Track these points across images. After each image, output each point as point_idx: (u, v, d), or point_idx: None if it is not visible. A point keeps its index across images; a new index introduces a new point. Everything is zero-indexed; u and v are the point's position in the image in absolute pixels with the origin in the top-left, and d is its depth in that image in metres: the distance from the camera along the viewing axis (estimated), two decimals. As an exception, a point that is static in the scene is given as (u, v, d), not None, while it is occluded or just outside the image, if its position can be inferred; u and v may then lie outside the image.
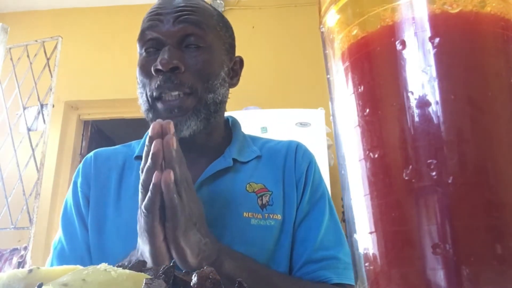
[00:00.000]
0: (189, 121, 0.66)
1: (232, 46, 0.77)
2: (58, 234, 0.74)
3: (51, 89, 2.32)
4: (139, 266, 0.33)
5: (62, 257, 0.70)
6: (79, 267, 0.29)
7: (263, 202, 0.70)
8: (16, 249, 2.16)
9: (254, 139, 0.82)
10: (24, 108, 2.36)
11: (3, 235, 2.23)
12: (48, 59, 2.35)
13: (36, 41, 2.41)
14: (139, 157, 0.73)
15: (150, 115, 0.68)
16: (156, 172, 0.52)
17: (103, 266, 0.28)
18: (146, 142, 0.54)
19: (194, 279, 0.29)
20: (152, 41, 0.68)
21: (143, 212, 0.52)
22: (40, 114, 2.33)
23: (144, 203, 0.52)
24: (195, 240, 0.54)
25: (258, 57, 2.79)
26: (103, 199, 0.72)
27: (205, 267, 0.30)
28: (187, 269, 0.55)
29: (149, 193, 0.52)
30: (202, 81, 0.67)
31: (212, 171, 0.70)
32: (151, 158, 0.52)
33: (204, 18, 0.69)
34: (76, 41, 3.00)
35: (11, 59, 2.36)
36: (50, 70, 2.34)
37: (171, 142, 0.53)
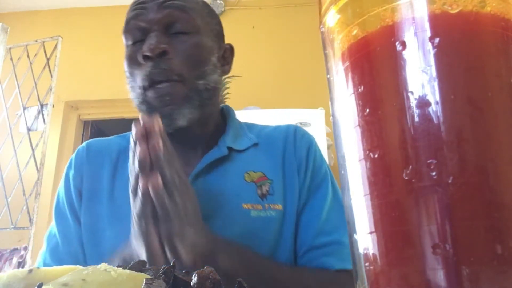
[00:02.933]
0: (183, 109, 0.63)
1: (220, 34, 0.74)
2: (51, 227, 0.72)
3: (51, 89, 2.32)
4: (139, 266, 0.33)
5: (56, 252, 0.69)
6: (79, 267, 0.29)
7: (263, 192, 0.67)
8: (16, 249, 2.17)
9: (250, 126, 0.79)
10: (24, 108, 2.36)
11: (3, 235, 2.23)
12: (48, 59, 2.35)
13: (36, 41, 2.41)
14: None
15: (143, 107, 0.65)
16: (143, 178, 0.49)
17: (103, 266, 0.28)
18: (131, 144, 0.51)
19: (194, 279, 0.29)
20: (137, 30, 0.65)
21: (136, 219, 0.51)
22: (40, 114, 2.33)
23: (136, 211, 0.50)
24: (190, 241, 0.53)
25: (258, 57, 2.79)
26: (96, 193, 0.70)
27: (205, 267, 0.30)
28: (182, 268, 0.54)
29: (139, 201, 0.50)
30: (192, 67, 0.64)
31: (206, 162, 0.68)
32: (138, 165, 0.50)
33: (189, 3, 0.67)
34: (76, 41, 3.00)
35: (11, 59, 2.36)
36: (50, 70, 2.34)
37: (157, 146, 0.50)
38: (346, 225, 0.73)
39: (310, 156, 0.72)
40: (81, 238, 0.68)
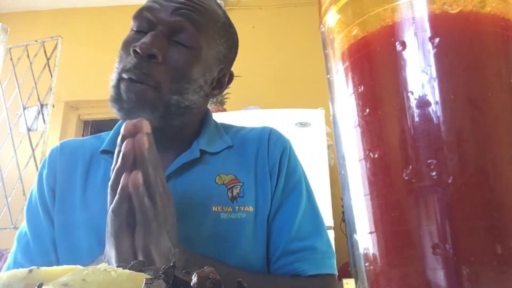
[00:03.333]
0: (143, 114, 0.61)
1: (226, 58, 0.72)
2: (21, 227, 0.71)
3: (51, 89, 2.32)
4: (139, 266, 0.33)
5: (27, 251, 0.67)
6: (79, 267, 0.29)
7: (233, 194, 0.67)
8: (16, 249, 2.16)
9: (227, 127, 0.79)
10: (24, 108, 2.36)
11: (3, 235, 2.23)
12: (48, 59, 2.35)
13: (36, 41, 2.41)
14: (106, 151, 0.69)
15: (112, 91, 0.64)
16: (124, 174, 0.48)
17: (103, 266, 0.28)
18: (118, 141, 0.51)
19: (194, 279, 0.29)
20: (145, 21, 0.65)
21: (110, 215, 0.49)
22: (40, 114, 2.33)
23: (111, 206, 0.49)
24: (165, 248, 0.51)
25: (258, 57, 2.79)
26: (69, 193, 0.69)
27: (205, 268, 0.30)
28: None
29: (117, 196, 0.49)
30: (174, 80, 0.63)
31: (178, 164, 0.67)
32: (121, 159, 0.49)
33: (204, 20, 0.66)
34: (76, 41, 3.00)
35: (11, 59, 2.36)
36: (50, 70, 2.34)
37: (142, 141, 0.49)
38: (319, 230, 0.70)
39: (284, 160, 0.71)
40: (54, 237, 0.67)
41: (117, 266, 0.29)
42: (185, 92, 0.64)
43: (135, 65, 0.62)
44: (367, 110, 0.26)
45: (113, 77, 0.66)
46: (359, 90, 0.27)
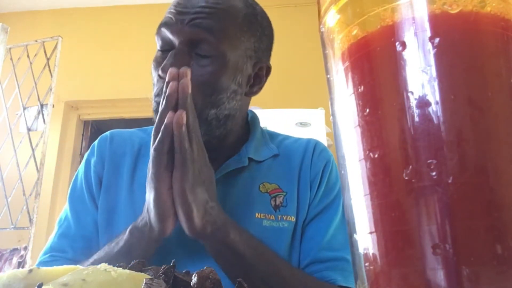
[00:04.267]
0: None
1: (258, 51, 0.69)
2: (63, 213, 0.71)
3: (51, 89, 2.32)
4: (139, 266, 0.33)
5: (67, 235, 0.68)
6: (79, 267, 0.29)
7: (277, 203, 0.67)
8: (16, 249, 2.16)
9: (272, 135, 0.79)
10: (24, 108, 2.36)
11: (3, 235, 2.23)
12: (48, 59, 2.35)
13: (36, 41, 2.41)
14: None
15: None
16: (169, 112, 0.51)
17: (103, 266, 0.28)
18: (164, 88, 0.54)
19: (194, 279, 0.29)
20: (164, 39, 0.65)
21: (152, 154, 0.51)
22: (40, 114, 2.33)
23: (154, 145, 0.51)
24: (202, 199, 0.52)
25: (258, 57, 2.78)
26: (116, 183, 0.70)
27: (205, 269, 0.30)
28: (191, 232, 0.54)
29: (159, 134, 0.51)
30: (204, 94, 0.62)
31: (226, 170, 0.67)
32: (166, 100, 0.52)
33: (221, 24, 0.63)
34: (76, 41, 2.99)
35: (11, 59, 2.36)
36: (50, 70, 2.34)
37: (186, 84, 0.52)
38: None
39: (326, 172, 0.72)
40: (97, 223, 0.68)
41: (117, 266, 0.29)
42: (221, 103, 0.64)
43: (161, 89, 0.62)
44: (367, 110, 0.26)
45: (152, 101, 0.67)
46: (359, 90, 0.27)
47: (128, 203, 0.68)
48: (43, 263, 0.66)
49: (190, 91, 0.53)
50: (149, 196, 0.53)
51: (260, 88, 0.74)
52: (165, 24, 0.65)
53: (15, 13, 3.21)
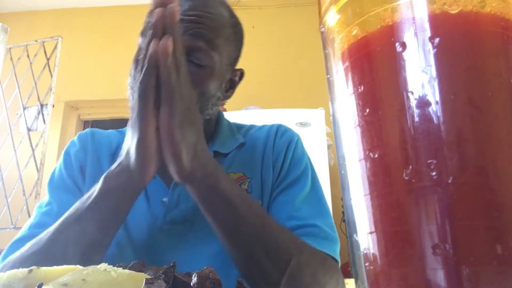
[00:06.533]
0: None
1: (237, 59, 0.71)
2: (42, 201, 0.69)
3: (51, 89, 2.32)
4: (139, 266, 0.33)
5: (50, 214, 0.64)
6: (79, 267, 0.29)
7: None
8: (16, 249, 2.16)
9: (239, 127, 0.79)
10: (24, 108, 2.36)
11: (3, 235, 2.22)
12: (48, 59, 2.35)
13: (36, 41, 2.41)
14: None
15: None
16: (154, 40, 0.45)
17: (103, 266, 0.28)
18: (146, 18, 0.48)
19: (194, 279, 0.29)
20: None
21: (138, 90, 0.46)
22: (40, 114, 2.33)
23: (139, 78, 0.45)
24: (191, 140, 0.48)
25: (258, 57, 2.79)
26: (100, 173, 0.69)
27: (205, 269, 0.30)
28: (179, 175, 0.48)
29: (145, 65, 0.45)
30: None
31: None
32: (152, 28, 0.46)
33: (214, 33, 0.63)
34: (76, 41, 3.00)
35: (11, 59, 2.36)
36: (50, 70, 2.34)
37: (175, 9, 0.46)
38: (322, 214, 0.67)
39: (289, 150, 0.71)
40: None
41: (117, 266, 0.29)
42: (205, 109, 0.64)
43: None
44: (367, 110, 0.26)
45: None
46: (359, 90, 0.27)
47: None
48: (26, 237, 0.61)
49: (178, 18, 0.47)
50: (132, 139, 0.48)
51: (233, 92, 0.74)
52: None
53: (15, 13, 3.21)
